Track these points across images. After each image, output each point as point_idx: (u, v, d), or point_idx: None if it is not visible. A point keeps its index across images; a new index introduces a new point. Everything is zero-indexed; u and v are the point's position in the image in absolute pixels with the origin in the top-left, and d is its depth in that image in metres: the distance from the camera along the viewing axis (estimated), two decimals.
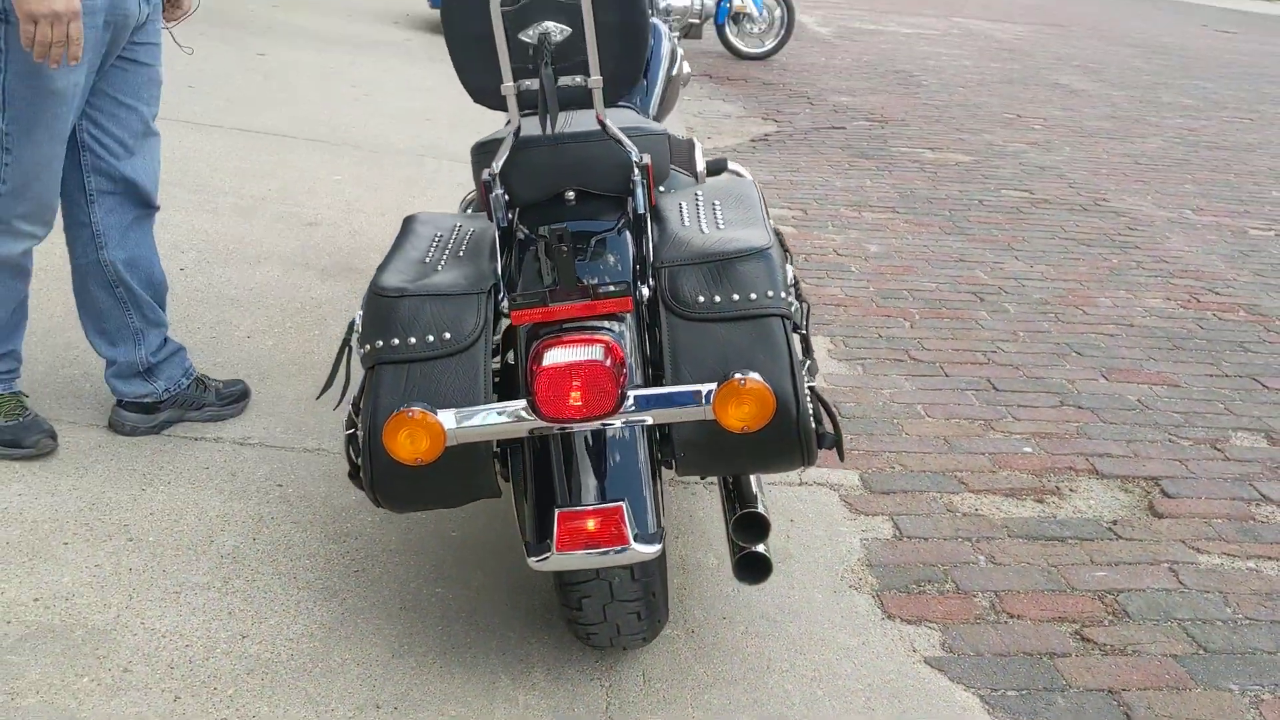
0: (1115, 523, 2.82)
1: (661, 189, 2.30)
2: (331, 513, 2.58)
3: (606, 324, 1.88)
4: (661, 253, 1.97)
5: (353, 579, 2.36)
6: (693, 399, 1.81)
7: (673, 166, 2.50)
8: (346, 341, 2.05)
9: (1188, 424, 3.36)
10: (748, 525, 2.08)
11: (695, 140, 2.98)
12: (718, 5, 9.32)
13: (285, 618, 2.23)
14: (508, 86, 1.90)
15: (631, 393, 1.81)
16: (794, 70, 9.34)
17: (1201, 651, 2.35)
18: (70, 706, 1.93)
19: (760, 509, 2.08)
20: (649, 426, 1.90)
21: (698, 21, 3.54)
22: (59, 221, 2.64)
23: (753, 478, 2.18)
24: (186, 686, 2.01)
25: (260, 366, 3.20)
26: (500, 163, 1.97)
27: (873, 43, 11.35)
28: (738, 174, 3.35)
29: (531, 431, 1.83)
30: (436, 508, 1.97)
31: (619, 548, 1.80)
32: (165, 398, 2.80)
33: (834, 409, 2.05)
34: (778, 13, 9.61)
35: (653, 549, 1.82)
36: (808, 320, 2.24)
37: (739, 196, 2.21)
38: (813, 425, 1.90)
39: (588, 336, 1.83)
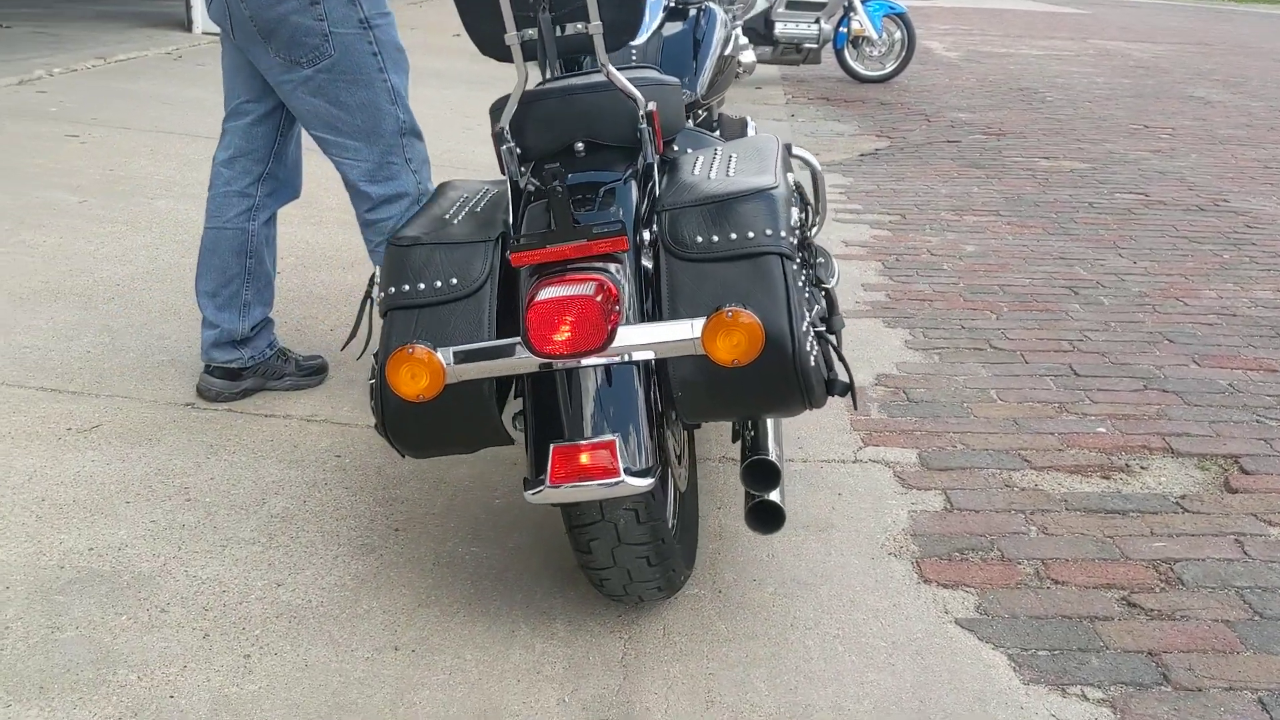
0: (1184, 497, 2.69)
1: (677, 147, 2.33)
2: (384, 481, 2.66)
3: (605, 265, 1.91)
4: (665, 198, 1.99)
5: (392, 537, 2.43)
6: (680, 333, 1.82)
7: (696, 128, 2.52)
8: (368, 294, 2.13)
9: None
10: (758, 473, 2.07)
11: (749, 119, 3.00)
12: (836, 30, 9.34)
13: (321, 570, 2.30)
14: (510, 36, 1.96)
15: (622, 329, 1.83)
16: (914, 91, 9.25)
17: (1257, 618, 2.23)
18: (105, 640, 2.04)
19: (772, 457, 2.07)
20: (649, 369, 1.92)
21: (754, 13, 3.56)
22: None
23: (770, 431, 2.17)
24: (216, 626, 2.10)
25: (338, 356, 3.32)
26: (509, 115, 2.03)
27: (1000, 64, 11.16)
28: (803, 158, 3.36)
29: (528, 369, 1.86)
30: (450, 452, 2.02)
31: (610, 480, 1.81)
32: (250, 365, 2.96)
33: (845, 358, 2.04)
34: (898, 35, 9.54)
35: (644, 482, 1.83)
36: (824, 270, 2.23)
37: (757, 149, 2.22)
38: (812, 365, 1.89)
39: (582, 275, 1.87)
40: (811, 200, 3.54)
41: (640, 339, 1.83)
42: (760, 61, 9.49)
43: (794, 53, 9.44)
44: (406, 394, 1.83)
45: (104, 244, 4.12)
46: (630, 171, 2.05)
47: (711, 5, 3.16)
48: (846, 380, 2.04)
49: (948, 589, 2.32)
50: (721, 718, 1.96)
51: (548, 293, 1.81)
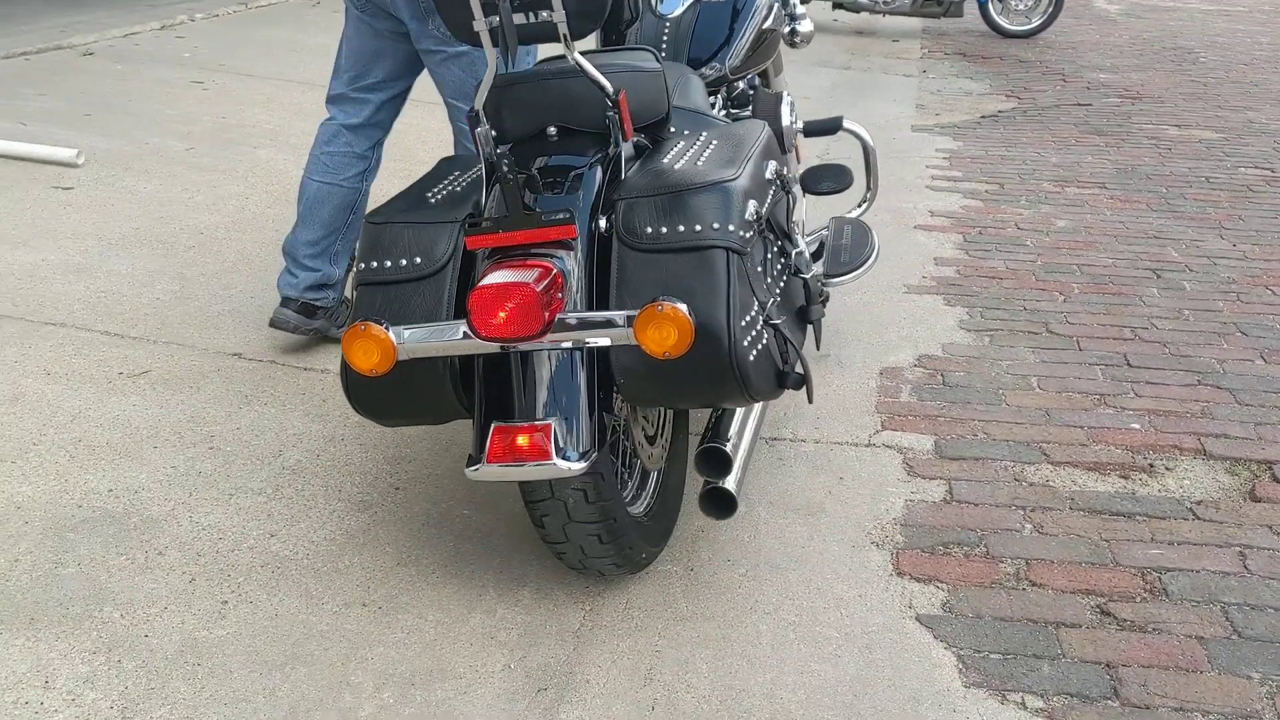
0: (1200, 503, 2.60)
1: (674, 128, 2.34)
2: (397, 439, 2.77)
3: (559, 253, 1.96)
4: (625, 186, 2.02)
5: (390, 495, 2.55)
6: (614, 323, 1.86)
7: (696, 111, 2.52)
8: (350, 268, 2.22)
9: None
10: (711, 460, 2.10)
11: (785, 94, 2.98)
12: None
13: (315, 523, 2.43)
14: (479, 23, 2.01)
15: (563, 316, 1.88)
16: (1058, 48, 8.89)
17: (1235, 636, 2.16)
18: (100, 579, 2.21)
19: (726, 446, 2.10)
20: (593, 355, 1.96)
21: None
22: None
23: (736, 418, 2.20)
24: (204, 572, 2.25)
25: None
26: (482, 98, 2.08)
27: (1161, 20, 10.61)
28: (855, 133, 3.32)
29: (473, 350, 1.92)
30: (414, 422, 2.11)
31: (543, 463, 1.87)
32: (328, 306, 3.14)
33: (802, 354, 2.05)
34: None
35: (577, 466, 1.88)
36: (803, 261, 2.23)
37: (738, 137, 2.22)
38: (751, 359, 1.91)
39: (528, 262, 1.92)
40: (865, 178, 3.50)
41: (578, 327, 1.88)
42: (898, 13, 9.26)
43: (934, 5, 9.17)
44: (360, 368, 1.92)
45: (199, 192, 4.34)
46: (597, 158, 2.08)
47: None
48: (801, 374, 2.05)
49: (919, 583, 2.32)
50: (656, 694, 2.01)
51: (492, 278, 1.87)
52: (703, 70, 2.85)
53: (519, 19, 1.98)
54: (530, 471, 1.88)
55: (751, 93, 3.05)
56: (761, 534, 2.48)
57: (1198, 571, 2.35)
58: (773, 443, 2.85)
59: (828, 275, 3.14)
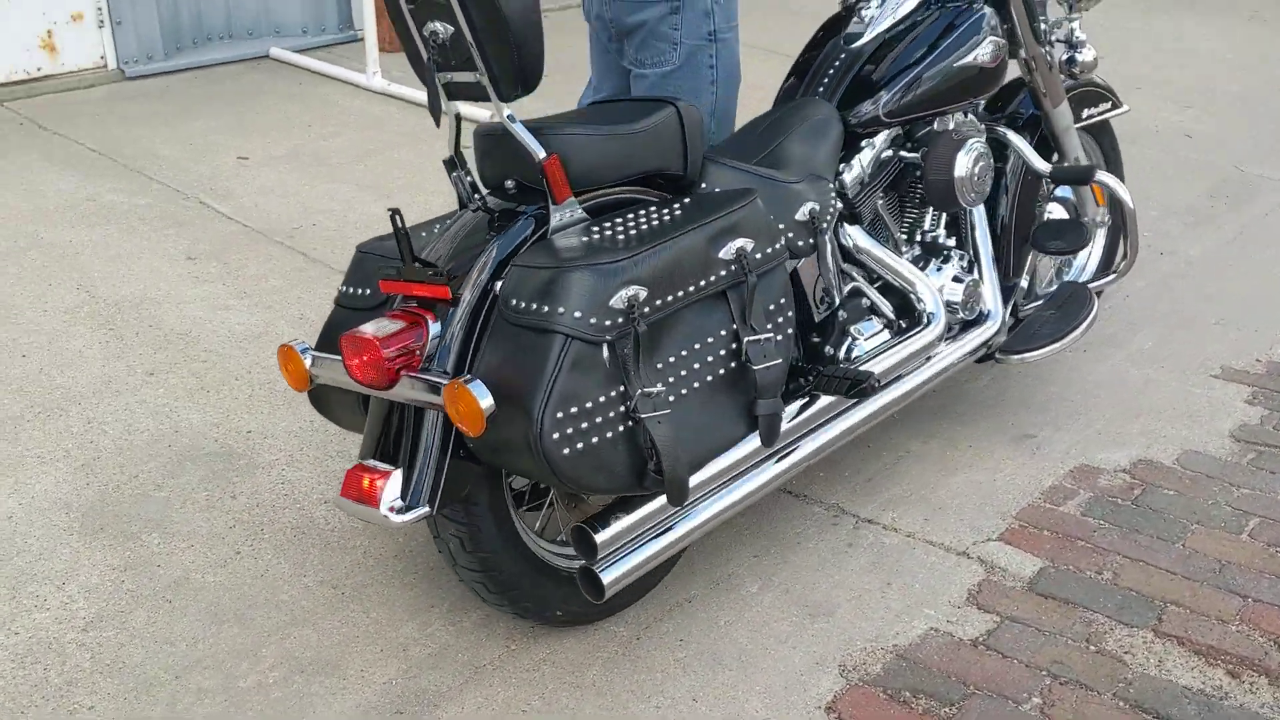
0: None
1: (705, 185, 2.22)
2: None
3: (446, 308, 1.99)
4: (523, 254, 1.98)
5: None
6: (434, 390, 1.88)
7: (739, 164, 2.33)
8: None
9: None
10: (580, 538, 2.04)
11: (973, 141, 2.63)
12: None
13: None
14: (434, 77, 2.06)
15: (404, 373, 1.93)
16: None
17: None
18: (173, 507, 2.63)
19: (600, 529, 2.03)
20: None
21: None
22: None
23: (647, 506, 2.09)
24: (247, 520, 2.60)
25: None
26: (451, 145, 2.14)
27: None
28: (1109, 189, 2.88)
29: (353, 388, 2.03)
30: (349, 430, 2.28)
31: (370, 509, 1.96)
32: None
33: (666, 456, 1.91)
34: None
35: (401, 518, 1.93)
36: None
37: (691, 214, 2.05)
38: (565, 453, 1.83)
39: (409, 313, 1.98)
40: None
41: (416, 387, 1.92)
42: None
43: None
44: (288, 383, 2.13)
45: None
46: (521, 220, 2.06)
47: (985, 10, 2.76)
48: (658, 474, 1.92)
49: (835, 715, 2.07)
50: None
51: (364, 325, 1.97)
52: (856, 110, 2.61)
53: (461, 76, 2.01)
54: (367, 514, 1.97)
55: (926, 134, 2.72)
56: (742, 622, 2.33)
57: None
58: (863, 524, 2.61)
59: (1008, 350, 2.78)
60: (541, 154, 1.99)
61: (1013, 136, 2.97)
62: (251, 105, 5.21)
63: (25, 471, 2.73)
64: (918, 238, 2.81)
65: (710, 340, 2.04)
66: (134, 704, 2.11)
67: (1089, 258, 3.52)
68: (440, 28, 1.96)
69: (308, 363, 2.08)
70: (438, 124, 2.10)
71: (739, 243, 2.06)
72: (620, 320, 1.88)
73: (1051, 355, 2.87)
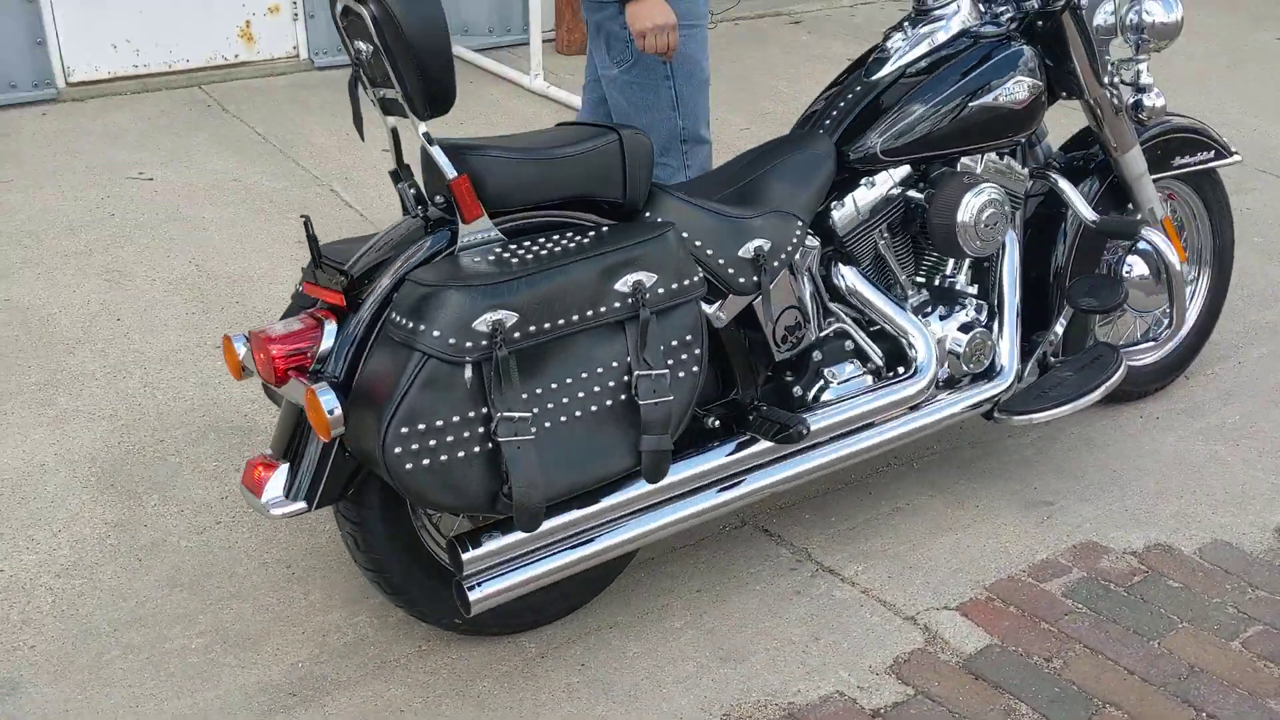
0: None
1: (649, 214, 2.20)
2: None
3: (347, 312, 2.06)
4: (425, 270, 2.02)
5: None
6: (302, 394, 1.96)
7: (692, 200, 2.28)
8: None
9: None
10: (451, 549, 2.08)
11: (986, 186, 2.48)
12: None
13: None
14: (369, 94, 2.13)
15: (293, 373, 2.02)
16: None
17: None
18: (183, 474, 2.83)
19: (473, 545, 2.05)
20: None
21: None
22: None
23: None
24: (240, 495, 2.78)
25: None
26: (394, 160, 2.20)
27: None
28: (1155, 249, 2.68)
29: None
30: None
31: (255, 498, 2.06)
32: None
33: (518, 482, 1.92)
34: None
35: (278, 511, 2.02)
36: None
37: (582, 247, 2.04)
38: (408, 467, 1.87)
39: (311, 316, 2.07)
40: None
41: (295, 389, 2.00)
42: None
43: None
44: (229, 371, 2.27)
45: None
46: (435, 234, 2.09)
47: (1023, 49, 2.59)
48: (508, 499, 1.94)
49: None
50: None
51: (269, 325, 2.07)
52: (856, 146, 2.51)
53: (390, 93, 2.08)
54: (254, 502, 2.08)
55: (939, 176, 2.58)
56: (650, 656, 2.30)
57: None
58: (823, 573, 2.53)
59: (1008, 410, 2.62)
60: (451, 174, 2.03)
61: (1062, 183, 2.78)
62: None
63: (74, 425, 3.01)
64: (935, 282, 2.67)
65: (600, 370, 2.03)
66: (67, 650, 2.30)
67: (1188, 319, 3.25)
68: (364, 45, 2.04)
69: (241, 354, 2.20)
70: (361, 137, 2.18)
71: (637, 276, 2.04)
72: (484, 343, 1.90)
73: (1054, 419, 2.68)
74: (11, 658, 2.28)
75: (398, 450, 1.87)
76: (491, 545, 2.07)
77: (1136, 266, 3.03)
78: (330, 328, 2.05)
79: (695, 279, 2.12)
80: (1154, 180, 2.99)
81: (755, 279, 2.27)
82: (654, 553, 2.58)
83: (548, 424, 1.99)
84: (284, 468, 2.07)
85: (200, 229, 4.10)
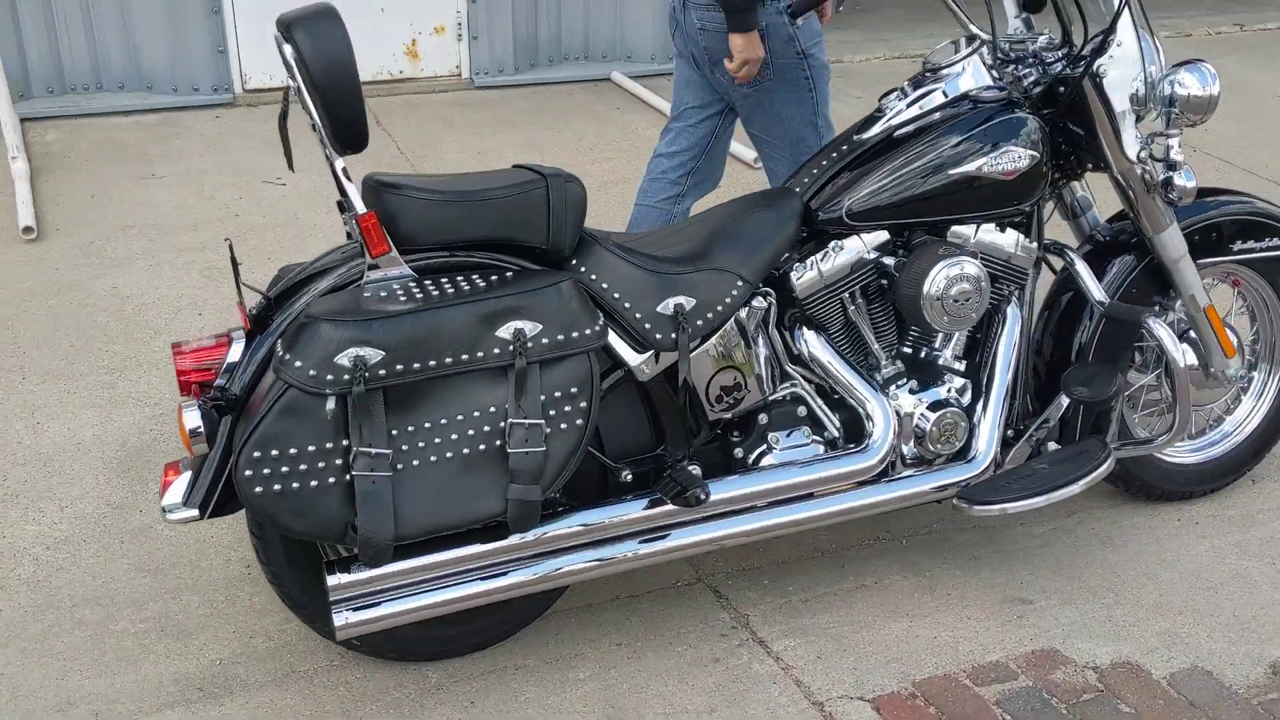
0: None
1: (576, 263, 2.22)
2: None
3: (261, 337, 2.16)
4: (314, 303, 2.08)
5: None
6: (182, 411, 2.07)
7: (619, 249, 2.25)
8: None
9: None
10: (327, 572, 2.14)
11: (962, 261, 2.36)
12: None
13: None
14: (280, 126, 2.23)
15: (194, 388, 2.13)
16: None
17: None
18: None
19: (333, 573, 2.12)
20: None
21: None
22: None
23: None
24: None
25: None
26: (339, 191, 2.28)
27: None
28: (1159, 343, 2.50)
29: None
30: None
31: (160, 498, 2.17)
32: None
33: (365, 516, 1.97)
34: None
35: (171, 515, 2.12)
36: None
37: (493, 285, 2.06)
38: (257, 490, 1.94)
39: (225, 334, 2.18)
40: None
41: (194, 404, 2.11)
42: None
43: None
44: None
45: None
46: (345, 271, 2.16)
47: (1025, 117, 2.44)
48: (354, 531, 1.98)
49: None
50: None
51: (191, 339, 2.20)
52: (827, 207, 2.42)
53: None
54: (162, 503, 2.20)
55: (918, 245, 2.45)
56: (536, 705, 2.30)
57: None
58: (752, 644, 2.45)
59: (966, 498, 2.48)
60: (360, 209, 2.10)
61: (1076, 260, 2.60)
62: (557, 122, 5.59)
63: (120, 409, 3.25)
64: (921, 354, 2.55)
65: (477, 414, 2.05)
66: (25, 618, 2.50)
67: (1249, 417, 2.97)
68: (290, 83, 2.13)
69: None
70: (291, 168, 2.27)
71: (519, 324, 2.04)
72: (345, 377, 1.95)
73: (1009, 514, 2.50)
74: None
75: (249, 473, 1.94)
76: (360, 575, 2.12)
77: (1189, 355, 2.79)
78: (237, 347, 2.15)
79: (589, 331, 2.10)
80: (1215, 264, 2.76)
81: (673, 335, 2.23)
82: (594, 598, 2.57)
83: (416, 462, 2.02)
84: (187, 475, 2.18)
85: (308, 235, 4.34)
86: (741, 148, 4.77)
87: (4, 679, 2.35)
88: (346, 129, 2.06)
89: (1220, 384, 2.82)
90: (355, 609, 2.13)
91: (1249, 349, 2.97)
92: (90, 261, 4.08)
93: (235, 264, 2.17)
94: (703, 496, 2.24)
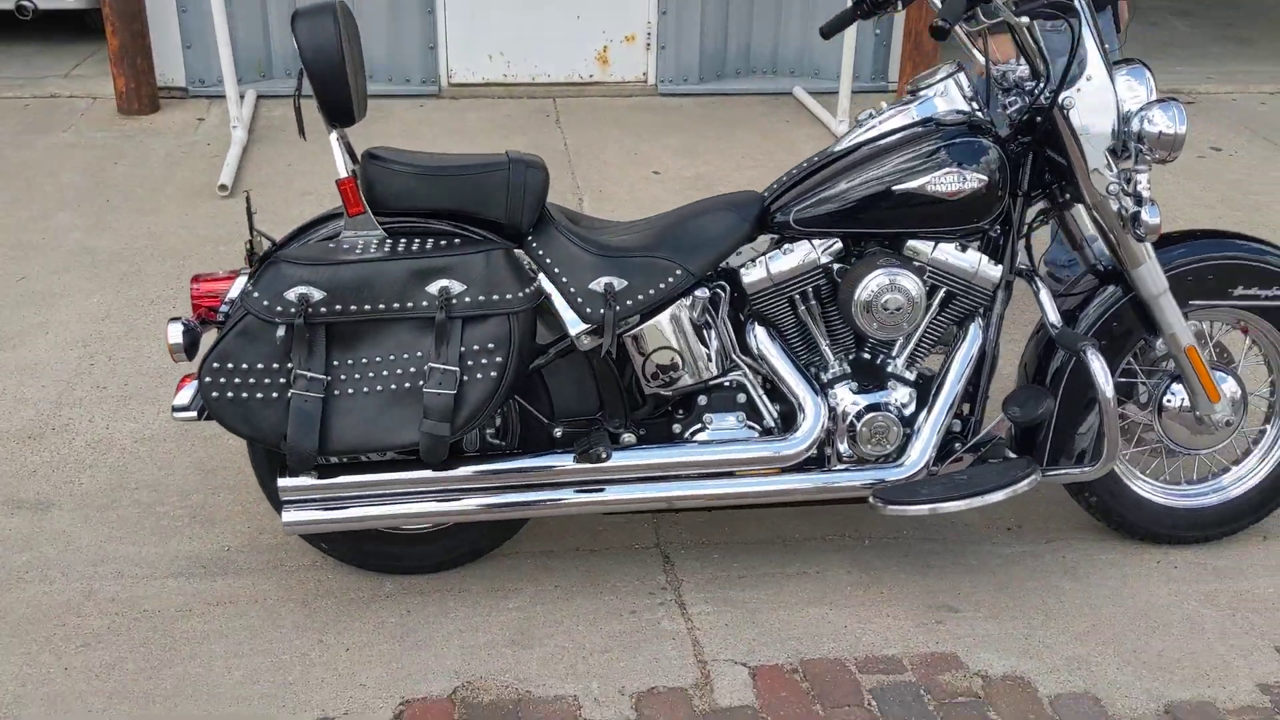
0: None
1: (534, 243, 2.51)
2: None
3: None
4: (297, 246, 2.47)
5: None
6: None
7: (576, 237, 2.51)
8: None
9: None
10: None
11: (902, 274, 2.50)
12: None
13: None
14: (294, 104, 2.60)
15: (205, 312, 2.55)
16: None
17: None
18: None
19: (282, 475, 2.50)
20: None
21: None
22: None
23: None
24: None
25: None
26: (342, 167, 2.63)
27: None
28: (1089, 369, 2.57)
29: None
30: None
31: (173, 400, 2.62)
32: None
33: (293, 429, 2.33)
34: None
35: (181, 414, 2.51)
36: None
37: (433, 248, 2.39)
38: (215, 395, 2.34)
39: (236, 271, 2.59)
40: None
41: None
42: None
43: None
44: None
45: None
46: (333, 223, 2.54)
47: (978, 141, 2.53)
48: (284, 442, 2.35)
49: None
50: None
51: (214, 272, 2.64)
52: (781, 211, 2.60)
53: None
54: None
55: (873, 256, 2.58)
56: (463, 618, 2.60)
57: None
58: (671, 606, 2.67)
59: (882, 497, 2.61)
60: (341, 174, 2.48)
61: (1040, 287, 2.67)
62: (724, 132, 5.85)
63: None
64: (875, 360, 2.68)
65: (405, 356, 2.38)
66: (99, 493, 3.03)
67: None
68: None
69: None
70: (302, 137, 2.66)
71: (445, 283, 2.36)
72: (292, 310, 2.33)
73: (920, 516, 2.59)
74: (57, 488, 3.05)
75: (208, 379, 2.35)
76: (305, 481, 2.49)
77: (1178, 397, 2.79)
78: (240, 281, 2.57)
79: (510, 296, 2.39)
80: (1213, 308, 2.75)
81: (601, 311, 2.49)
82: (555, 546, 2.85)
83: (351, 390, 2.37)
84: (194, 384, 2.61)
85: None
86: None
87: (65, 535, 2.87)
88: (335, 106, 2.44)
89: (1211, 430, 2.79)
90: (300, 509, 2.51)
91: (1266, 400, 2.91)
92: (262, 218, 4.66)
93: (250, 213, 2.59)
94: (604, 455, 2.48)
